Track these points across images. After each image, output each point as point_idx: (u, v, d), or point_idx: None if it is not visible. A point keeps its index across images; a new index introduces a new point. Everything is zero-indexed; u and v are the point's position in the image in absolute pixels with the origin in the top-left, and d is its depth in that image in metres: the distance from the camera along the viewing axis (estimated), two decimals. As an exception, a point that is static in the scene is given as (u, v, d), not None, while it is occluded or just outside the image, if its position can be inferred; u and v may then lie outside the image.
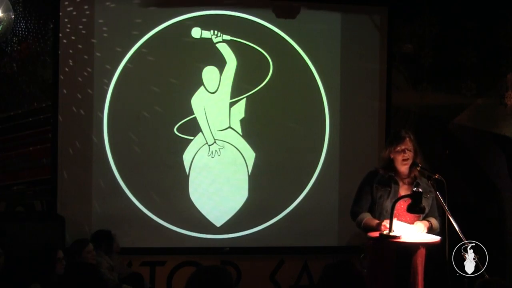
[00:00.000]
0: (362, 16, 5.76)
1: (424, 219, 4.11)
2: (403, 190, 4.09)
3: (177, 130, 5.47)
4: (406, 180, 4.13)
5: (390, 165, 4.11)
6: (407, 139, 4.06)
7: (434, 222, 4.10)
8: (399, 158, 4.07)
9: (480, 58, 5.86)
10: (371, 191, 4.14)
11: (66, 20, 5.30)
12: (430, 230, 4.05)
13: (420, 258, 3.94)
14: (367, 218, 4.09)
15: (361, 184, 4.23)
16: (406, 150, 4.05)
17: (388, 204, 4.05)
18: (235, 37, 5.53)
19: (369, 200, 4.16)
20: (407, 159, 4.06)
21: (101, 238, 4.90)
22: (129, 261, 5.35)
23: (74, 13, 5.32)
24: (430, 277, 3.99)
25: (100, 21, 5.36)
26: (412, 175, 4.12)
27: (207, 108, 5.51)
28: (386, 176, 4.11)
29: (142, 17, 5.42)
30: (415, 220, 4.08)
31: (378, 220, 4.04)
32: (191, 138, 5.50)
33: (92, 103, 5.36)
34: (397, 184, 4.09)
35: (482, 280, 2.94)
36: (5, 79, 5.27)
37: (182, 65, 5.49)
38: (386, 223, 3.94)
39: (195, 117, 5.50)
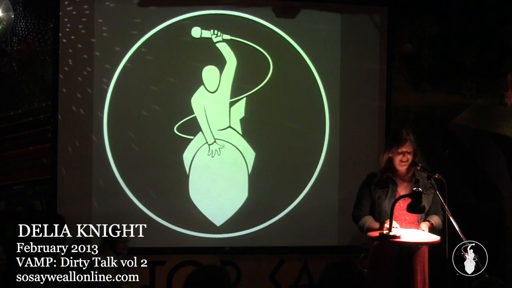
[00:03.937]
0: (362, 16, 5.76)
1: (426, 217, 4.11)
2: (402, 189, 4.08)
3: (177, 129, 5.47)
4: (405, 178, 4.12)
5: (388, 164, 4.11)
6: (408, 141, 4.04)
7: (436, 220, 4.08)
8: (397, 158, 4.06)
9: (480, 58, 5.85)
10: (369, 192, 4.14)
11: (66, 19, 5.30)
12: (432, 230, 4.04)
13: (420, 258, 3.94)
14: (370, 221, 4.08)
15: (360, 187, 4.23)
16: (406, 153, 4.04)
17: (386, 204, 4.05)
18: (235, 36, 5.53)
19: (369, 202, 4.16)
20: (406, 161, 4.06)
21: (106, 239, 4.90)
22: (129, 261, 5.35)
23: (74, 12, 5.32)
24: (430, 277, 4.00)
25: (100, 20, 5.36)
26: (411, 173, 4.12)
27: (207, 107, 5.51)
28: (384, 177, 4.10)
29: (142, 17, 5.42)
30: (415, 219, 4.08)
31: (379, 221, 4.04)
32: (191, 137, 5.50)
33: (92, 103, 5.36)
34: (395, 184, 4.08)
35: (479, 280, 2.94)
36: (5, 79, 5.27)
37: (182, 65, 5.49)
38: (388, 224, 3.93)
39: (195, 117, 5.50)
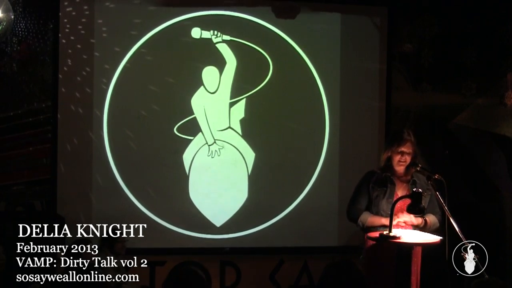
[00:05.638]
0: (362, 16, 5.76)
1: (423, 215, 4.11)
2: (400, 190, 4.09)
3: (177, 130, 5.47)
4: (403, 179, 4.12)
5: (388, 164, 4.11)
6: (409, 142, 4.05)
7: (432, 218, 4.08)
8: (396, 158, 4.07)
9: (480, 58, 5.85)
10: (368, 191, 4.14)
11: (65, 20, 5.30)
12: (424, 228, 4.04)
13: (415, 259, 3.93)
14: (371, 216, 4.08)
15: (358, 184, 4.24)
16: (405, 153, 4.04)
17: (384, 204, 4.05)
18: (235, 37, 5.53)
19: (366, 200, 4.16)
20: (404, 161, 4.06)
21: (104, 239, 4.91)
22: (129, 261, 5.35)
23: (74, 13, 5.32)
24: (430, 277, 3.99)
25: (100, 21, 5.36)
26: (409, 174, 4.11)
27: (207, 108, 5.51)
28: (383, 176, 4.11)
29: (142, 17, 5.41)
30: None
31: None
32: (191, 138, 5.50)
33: (91, 103, 5.36)
34: (393, 184, 4.09)
35: (478, 280, 2.94)
36: (5, 79, 5.27)
37: (182, 65, 5.49)
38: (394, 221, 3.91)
39: (195, 117, 5.50)
